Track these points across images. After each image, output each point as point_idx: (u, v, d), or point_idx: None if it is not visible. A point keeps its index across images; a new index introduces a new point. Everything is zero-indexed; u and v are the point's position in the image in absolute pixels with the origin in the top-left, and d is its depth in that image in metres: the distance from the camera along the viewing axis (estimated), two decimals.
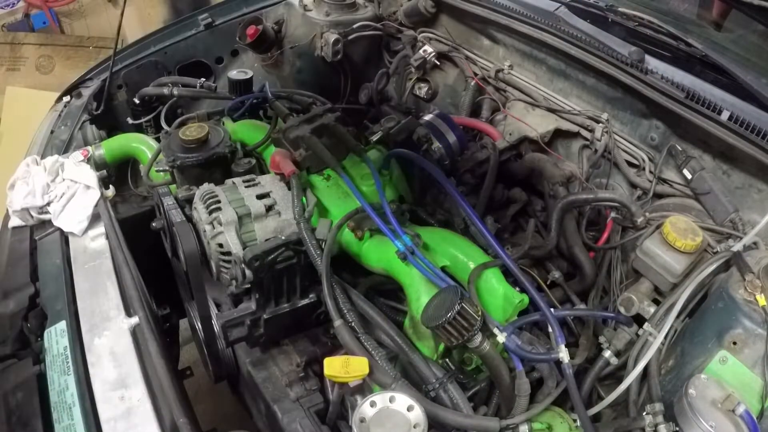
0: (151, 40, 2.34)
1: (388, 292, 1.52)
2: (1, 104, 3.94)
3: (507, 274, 1.36)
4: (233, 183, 1.48)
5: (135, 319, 1.25)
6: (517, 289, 1.34)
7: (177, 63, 2.36)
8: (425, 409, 1.10)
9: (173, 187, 1.64)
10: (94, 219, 1.53)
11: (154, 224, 1.59)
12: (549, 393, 1.30)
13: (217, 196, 1.41)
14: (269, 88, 1.92)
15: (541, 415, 1.23)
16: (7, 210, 1.58)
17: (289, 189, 1.45)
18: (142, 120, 2.23)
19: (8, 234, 1.62)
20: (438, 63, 2.33)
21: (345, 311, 1.29)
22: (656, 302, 1.45)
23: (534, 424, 1.19)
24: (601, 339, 1.42)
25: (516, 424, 1.20)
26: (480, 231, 1.38)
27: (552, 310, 1.26)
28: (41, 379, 1.17)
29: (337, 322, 1.23)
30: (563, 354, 1.20)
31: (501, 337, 1.25)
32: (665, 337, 1.33)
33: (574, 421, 1.24)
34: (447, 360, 1.29)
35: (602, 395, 1.37)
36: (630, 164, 1.78)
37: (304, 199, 1.44)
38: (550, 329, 1.24)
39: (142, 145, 1.90)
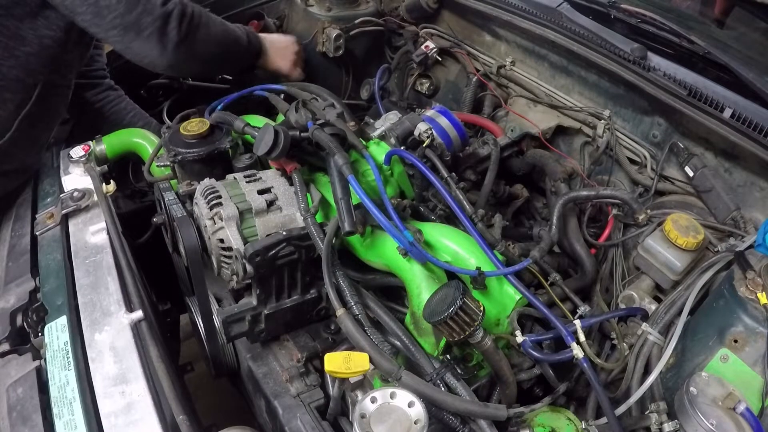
0: None
1: (388, 292, 1.52)
2: None
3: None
4: (234, 178, 1.48)
5: (136, 315, 1.25)
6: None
7: None
8: (434, 397, 1.11)
9: (174, 182, 1.64)
10: (95, 214, 1.53)
11: (155, 219, 1.59)
12: (555, 391, 1.31)
13: (218, 191, 1.41)
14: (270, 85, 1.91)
15: (544, 418, 1.23)
16: None
17: (291, 185, 1.45)
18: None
19: (9, 228, 1.62)
20: (440, 59, 2.33)
21: (352, 303, 1.29)
22: (657, 299, 1.45)
23: (536, 429, 1.19)
24: (612, 334, 1.42)
25: (523, 413, 1.21)
26: (471, 235, 1.38)
27: (579, 320, 1.27)
28: (41, 375, 1.17)
29: (340, 311, 1.23)
30: (577, 350, 1.21)
31: (519, 338, 1.27)
32: (666, 336, 1.34)
33: (581, 421, 1.24)
34: (448, 356, 1.29)
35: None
36: (632, 161, 1.79)
37: (308, 195, 1.44)
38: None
39: (143, 140, 1.90)
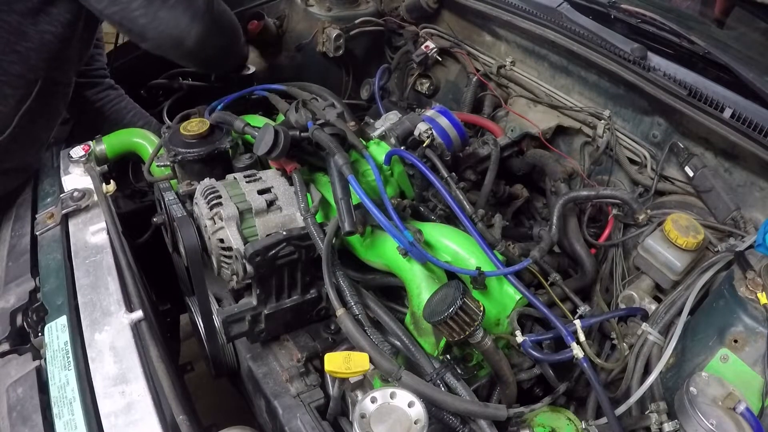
0: None
1: (388, 292, 1.52)
2: None
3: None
4: (234, 178, 1.48)
5: (136, 315, 1.25)
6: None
7: None
8: (433, 397, 1.11)
9: (174, 182, 1.64)
10: (95, 214, 1.53)
11: (155, 219, 1.59)
12: (555, 391, 1.31)
13: (218, 191, 1.41)
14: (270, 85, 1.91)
15: (544, 418, 1.23)
16: None
17: (291, 185, 1.45)
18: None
19: (9, 228, 1.62)
20: (440, 59, 2.33)
21: (352, 303, 1.29)
22: (657, 299, 1.45)
23: (536, 429, 1.19)
24: (612, 334, 1.42)
25: (523, 413, 1.21)
26: (471, 235, 1.39)
27: (579, 320, 1.27)
28: (41, 375, 1.17)
29: (340, 311, 1.23)
30: (577, 350, 1.21)
31: (519, 338, 1.27)
32: (666, 336, 1.34)
33: (581, 421, 1.24)
34: (448, 356, 1.29)
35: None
36: (632, 161, 1.79)
37: (308, 194, 1.44)
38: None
39: (143, 140, 1.90)
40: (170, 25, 1.59)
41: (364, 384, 1.20)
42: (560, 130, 1.95)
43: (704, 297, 1.34)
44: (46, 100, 1.69)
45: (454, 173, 1.52)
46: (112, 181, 1.62)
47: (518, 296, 1.33)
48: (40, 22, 1.57)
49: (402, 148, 1.56)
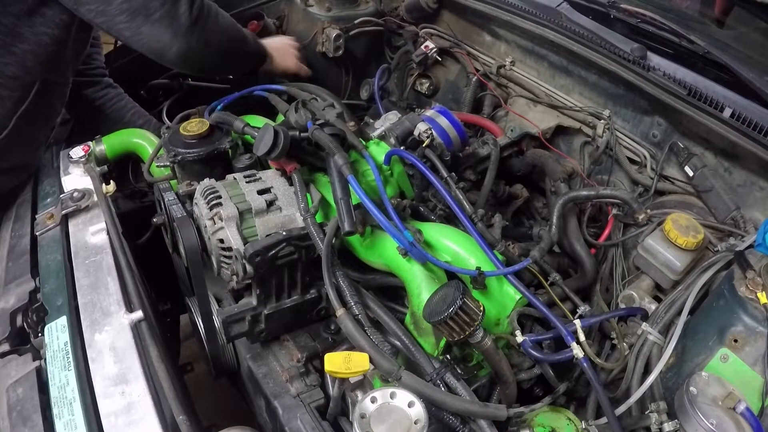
0: None
1: (388, 292, 1.52)
2: None
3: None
4: (234, 178, 1.48)
5: (136, 315, 1.25)
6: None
7: None
8: (433, 397, 1.11)
9: (174, 182, 1.64)
10: (95, 214, 1.53)
11: (154, 219, 1.59)
12: (555, 391, 1.31)
13: (218, 191, 1.41)
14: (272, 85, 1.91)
15: (544, 418, 1.23)
16: None
17: (291, 185, 1.45)
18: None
19: (9, 229, 1.62)
20: (439, 59, 2.33)
21: (352, 303, 1.29)
22: (657, 299, 1.45)
23: (536, 429, 1.19)
24: (612, 334, 1.42)
25: (523, 413, 1.21)
26: (471, 235, 1.39)
27: (579, 320, 1.27)
28: (41, 375, 1.17)
29: (340, 311, 1.23)
30: (577, 350, 1.21)
31: (519, 338, 1.27)
32: (666, 336, 1.34)
33: (581, 421, 1.24)
34: (448, 356, 1.29)
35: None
36: (631, 161, 1.79)
37: (308, 194, 1.44)
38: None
39: (143, 140, 1.90)
40: (152, 39, 1.62)
41: (364, 384, 1.20)
42: (560, 130, 1.95)
43: (704, 297, 1.34)
44: (43, 101, 1.68)
45: (453, 173, 1.52)
46: (112, 181, 1.62)
47: (518, 296, 1.33)
48: (35, 23, 1.57)
49: (402, 148, 1.56)
